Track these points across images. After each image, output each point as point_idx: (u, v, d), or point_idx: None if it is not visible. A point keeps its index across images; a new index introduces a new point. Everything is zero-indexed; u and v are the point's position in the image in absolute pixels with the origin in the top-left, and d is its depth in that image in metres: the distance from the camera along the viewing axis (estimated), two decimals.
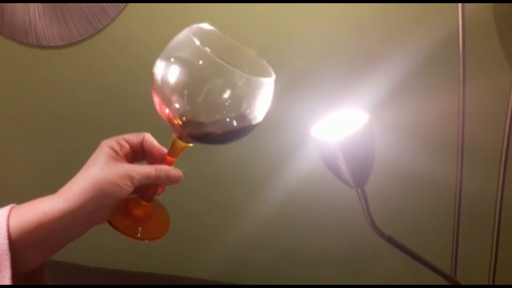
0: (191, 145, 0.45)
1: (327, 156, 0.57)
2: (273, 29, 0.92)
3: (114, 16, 0.99)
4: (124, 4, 0.97)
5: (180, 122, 0.41)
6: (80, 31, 1.02)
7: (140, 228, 0.47)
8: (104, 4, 0.98)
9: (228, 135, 0.43)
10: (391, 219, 0.91)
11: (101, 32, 1.01)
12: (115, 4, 0.98)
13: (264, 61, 0.45)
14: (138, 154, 0.48)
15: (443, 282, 0.70)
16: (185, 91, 0.39)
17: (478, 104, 0.83)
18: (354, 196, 0.59)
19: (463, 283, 0.69)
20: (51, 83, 1.06)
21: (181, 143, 0.45)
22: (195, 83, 0.39)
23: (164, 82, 0.40)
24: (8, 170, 1.13)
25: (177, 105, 0.40)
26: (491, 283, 0.75)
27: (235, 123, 0.41)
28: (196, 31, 0.41)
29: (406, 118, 0.88)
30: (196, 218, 1.04)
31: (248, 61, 0.45)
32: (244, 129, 0.43)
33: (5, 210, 0.39)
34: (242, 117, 0.41)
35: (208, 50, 0.39)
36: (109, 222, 0.45)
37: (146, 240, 0.47)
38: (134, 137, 0.47)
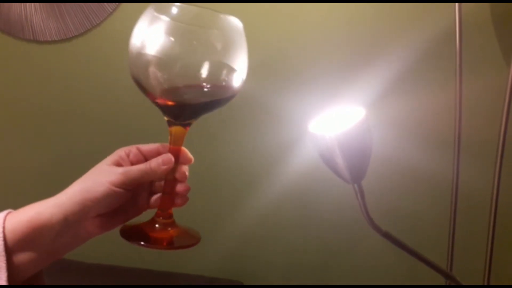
0: (187, 128, 0.45)
1: (324, 151, 0.57)
2: (271, 25, 0.92)
3: (111, 11, 0.99)
4: None
5: (163, 96, 0.41)
6: (77, 26, 1.01)
7: (172, 238, 0.45)
8: None
9: (210, 95, 0.42)
10: (388, 214, 0.91)
11: (98, 27, 1.00)
12: None
13: (229, 17, 0.43)
14: None
15: (439, 277, 0.71)
16: (157, 63, 0.39)
17: (475, 99, 0.83)
18: (351, 192, 0.59)
19: (459, 278, 0.69)
20: (47, 78, 1.06)
21: (177, 129, 0.44)
22: (164, 51, 0.39)
23: (137, 62, 0.40)
24: (4, 167, 1.12)
25: (153, 78, 0.40)
26: (486, 279, 0.76)
27: (213, 84, 0.41)
28: (154, 8, 0.41)
29: (403, 113, 0.89)
30: (192, 214, 1.04)
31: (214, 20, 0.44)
32: (224, 89, 0.42)
33: (2, 214, 0.39)
34: (219, 74, 0.41)
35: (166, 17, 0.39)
36: (142, 244, 0.42)
37: (182, 248, 0.45)
38: (148, 146, 0.46)
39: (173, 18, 0.40)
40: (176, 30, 0.40)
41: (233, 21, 0.42)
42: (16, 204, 0.42)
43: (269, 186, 0.99)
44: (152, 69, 0.40)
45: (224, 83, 0.42)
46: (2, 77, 1.08)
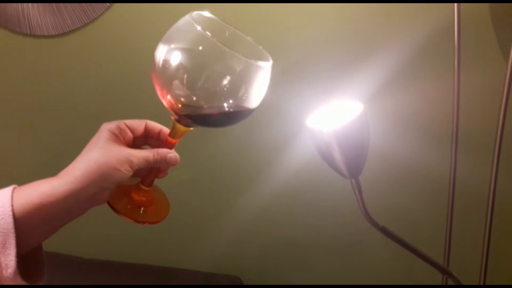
0: (191, 128, 0.46)
1: (321, 146, 0.57)
2: (269, 20, 0.92)
3: (108, 5, 0.98)
4: None
5: (180, 105, 0.42)
6: (74, 20, 1.00)
7: (141, 212, 0.48)
8: None
9: (226, 118, 0.44)
10: (385, 209, 0.91)
11: (95, 21, 1.00)
12: None
13: (261, 47, 0.45)
14: (139, 139, 0.49)
15: (436, 272, 0.71)
16: (186, 76, 0.40)
17: (473, 94, 0.83)
18: (348, 187, 0.59)
19: (455, 273, 0.69)
20: (44, 73, 1.05)
21: (180, 127, 0.46)
22: (195, 68, 0.40)
23: (165, 66, 0.41)
24: (2, 160, 1.12)
25: (177, 89, 0.41)
26: (483, 274, 0.76)
27: (233, 108, 0.42)
28: (196, 17, 0.42)
29: (401, 108, 0.89)
30: (190, 208, 1.04)
31: (246, 48, 0.45)
32: (242, 113, 0.44)
33: (8, 190, 0.40)
34: (240, 101, 0.42)
35: (209, 34, 0.39)
36: (111, 206, 0.46)
37: (147, 223, 0.47)
38: (135, 122, 0.48)
39: (211, 32, 0.40)
40: (211, 48, 0.40)
41: (266, 57, 0.44)
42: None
43: (267, 181, 0.99)
44: (176, 83, 0.40)
45: (240, 106, 0.42)
46: None
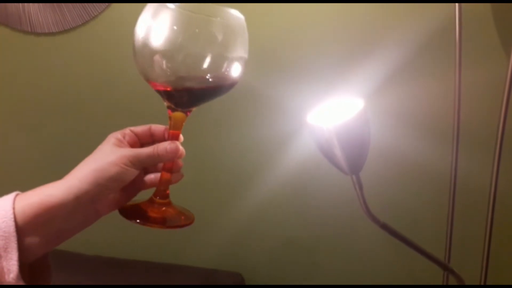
0: (187, 114, 0.46)
1: (322, 143, 0.56)
2: (269, 17, 0.92)
3: (109, 2, 0.98)
4: None
5: (164, 83, 0.42)
6: (74, 17, 1.01)
7: (167, 218, 0.48)
8: None
9: (214, 84, 0.43)
10: (386, 206, 0.92)
11: (96, 19, 1.00)
12: None
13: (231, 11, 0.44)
14: (146, 144, 0.49)
15: (437, 270, 0.71)
16: (165, 52, 0.41)
17: (474, 91, 0.83)
18: (349, 183, 0.59)
19: (456, 270, 0.69)
20: (45, 70, 1.06)
21: (176, 115, 0.46)
22: (172, 44, 0.40)
23: (145, 45, 0.42)
24: (2, 159, 1.12)
25: (158, 66, 0.41)
26: (484, 271, 0.76)
27: (217, 73, 0.42)
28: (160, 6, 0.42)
29: (402, 105, 0.88)
30: (190, 206, 1.04)
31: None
32: (226, 79, 0.43)
33: (11, 195, 0.40)
34: (222, 63, 0.42)
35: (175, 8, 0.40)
36: (138, 222, 0.45)
37: (177, 228, 0.47)
38: (139, 128, 0.48)
39: (178, 6, 0.41)
40: (180, 18, 0.41)
41: (235, 13, 0.43)
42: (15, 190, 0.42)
43: (268, 178, 0.99)
44: (156, 58, 0.41)
45: (225, 73, 0.43)
46: (0, 69, 1.08)
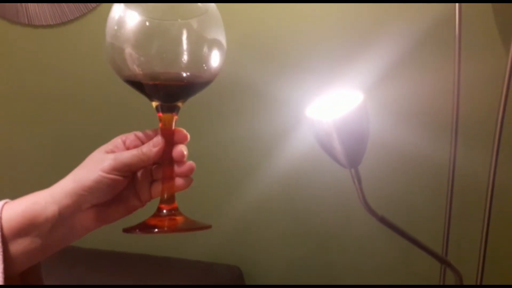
0: (173, 115, 0.44)
1: (321, 136, 0.56)
2: (268, 11, 0.91)
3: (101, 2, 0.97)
4: None
5: (145, 80, 0.42)
6: (72, 10, 1.00)
7: (181, 223, 0.43)
8: None
9: (189, 82, 0.42)
10: (384, 199, 0.92)
11: (93, 11, 0.99)
12: None
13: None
14: None
15: (434, 263, 0.71)
16: (138, 46, 0.40)
17: (473, 84, 0.83)
18: (347, 177, 0.59)
19: (454, 264, 0.70)
20: (43, 63, 1.05)
21: (165, 116, 0.44)
22: (145, 43, 0.40)
23: (115, 52, 0.42)
24: (2, 149, 1.12)
25: (130, 60, 0.41)
26: (481, 264, 0.77)
27: (192, 69, 0.41)
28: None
29: (401, 98, 0.88)
30: (189, 200, 1.04)
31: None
32: (203, 72, 0.42)
33: None
34: (198, 61, 0.41)
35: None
36: (155, 232, 0.41)
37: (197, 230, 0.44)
38: (145, 131, 0.45)
39: (144, 15, 0.40)
40: (149, 26, 0.40)
41: (205, 7, 0.42)
42: (12, 189, 0.42)
43: (266, 171, 0.99)
44: (128, 51, 0.41)
45: (203, 68, 0.41)
46: None
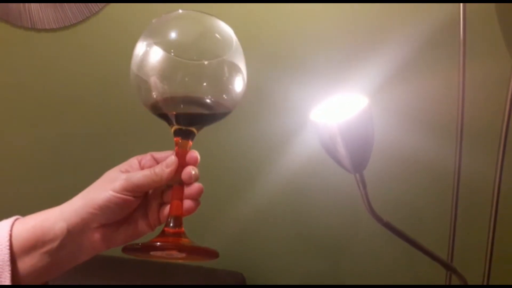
0: (189, 142, 0.44)
1: (326, 140, 0.56)
2: (274, 14, 0.91)
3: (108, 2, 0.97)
4: None
5: (166, 107, 0.42)
6: (75, 14, 1.00)
7: (186, 247, 0.43)
8: None
9: (210, 111, 0.43)
10: (389, 204, 0.91)
11: (97, 15, 0.99)
12: None
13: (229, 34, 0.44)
14: None
15: (439, 269, 0.70)
16: (162, 78, 0.41)
17: (478, 88, 0.82)
18: (352, 181, 0.58)
19: (459, 269, 0.69)
20: (46, 67, 1.05)
21: (182, 141, 0.43)
22: (169, 75, 0.41)
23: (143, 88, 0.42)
24: (2, 155, 1.11)
25: (156, 88, 0.41)
26: (487, 270, 0.76)
27: (214, 101, 0.42)
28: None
29: (406, 102, 0.88)
30: None
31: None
32: (224, 106, 0.44)
33: (9, 221, 0.39)
34: (220, 94, 0.43)
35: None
36: (155, 257, 0.41)
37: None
38: (162, 153, 0.44)
39: (169, 50, 0.41)
40: (173, 64, 0.41)
41: (230, 40, 0.43)
42: (12, 190, 0.41)
43: (270, 176, 0.98)
44: (153, 79, 0.41)
45: (223, 98, 0.43)
46: (0, 65, 1.07)
